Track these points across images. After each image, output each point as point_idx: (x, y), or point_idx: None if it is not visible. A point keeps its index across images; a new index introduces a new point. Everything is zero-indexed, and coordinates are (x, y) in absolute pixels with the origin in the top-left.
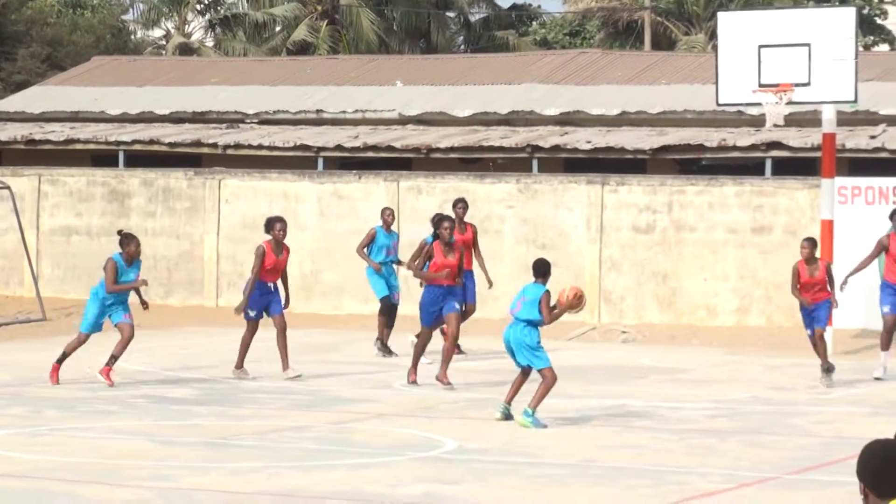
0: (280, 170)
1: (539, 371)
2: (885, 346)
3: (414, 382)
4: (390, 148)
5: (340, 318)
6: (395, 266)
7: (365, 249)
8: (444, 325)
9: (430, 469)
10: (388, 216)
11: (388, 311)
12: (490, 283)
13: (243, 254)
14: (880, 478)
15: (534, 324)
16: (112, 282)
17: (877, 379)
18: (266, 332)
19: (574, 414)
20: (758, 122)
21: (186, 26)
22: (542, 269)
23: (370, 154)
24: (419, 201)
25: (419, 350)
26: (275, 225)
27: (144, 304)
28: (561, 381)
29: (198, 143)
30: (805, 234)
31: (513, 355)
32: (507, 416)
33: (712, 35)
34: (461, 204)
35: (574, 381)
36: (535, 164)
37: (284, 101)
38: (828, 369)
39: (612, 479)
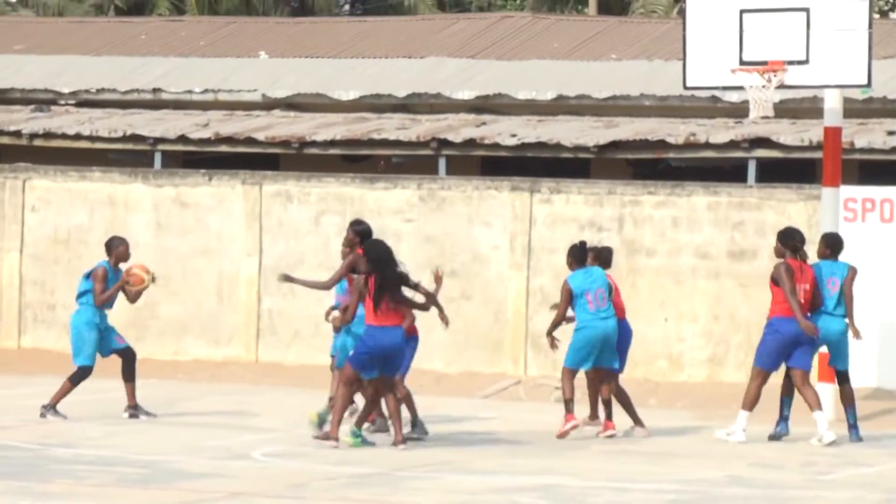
0: (104, 168)
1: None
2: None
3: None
4: (251, 140)
5: (182, 364)
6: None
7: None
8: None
9: None
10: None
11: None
12: None
13: (55, 279)
14: None
15: None
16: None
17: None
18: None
19: (491, 496)
20: (739, 111)
21: None
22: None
23: (224, 148)
24: (288, 211)
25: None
26: None
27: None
28: (475, 453)
29: None
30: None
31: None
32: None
33: None
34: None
35: (492, 452)
36: (442, 163)
37: (111, 77)
38: None
39: None
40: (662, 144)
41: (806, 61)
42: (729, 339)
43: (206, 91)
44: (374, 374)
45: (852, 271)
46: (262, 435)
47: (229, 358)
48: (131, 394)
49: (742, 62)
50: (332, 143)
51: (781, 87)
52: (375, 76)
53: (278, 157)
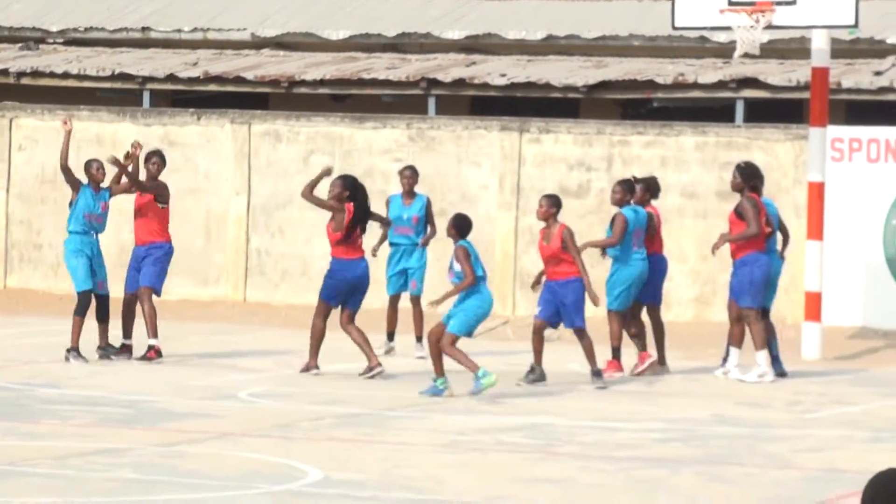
0: (93, 106)
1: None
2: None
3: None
4: (240, 80)
5: (169, 304)
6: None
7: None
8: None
9: None
10: (96, 170)
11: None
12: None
13: (41, 219)
14: None
15: None
16: None
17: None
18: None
19: (479, 436)
20: (726, 51)
21: None
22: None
23: (213, 87)
24: (277, 150)
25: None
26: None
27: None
28: (463, 392)
29: None
30: (787, 199)
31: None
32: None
33: None
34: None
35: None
36: (431, 103)
37: (99, 15)
38: (596, 373)
39: None
40: (651, 84)
41: (793, 2)
42: (716, 279)
43: (195, 30)
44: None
45: (775, 207)
46: (249, 375)
47: (217, 297)
48: (103, 334)
49: (730, 2)
50: (321, 83)
51: (769, 27)
52: (365, 15)
53: (267, 96)
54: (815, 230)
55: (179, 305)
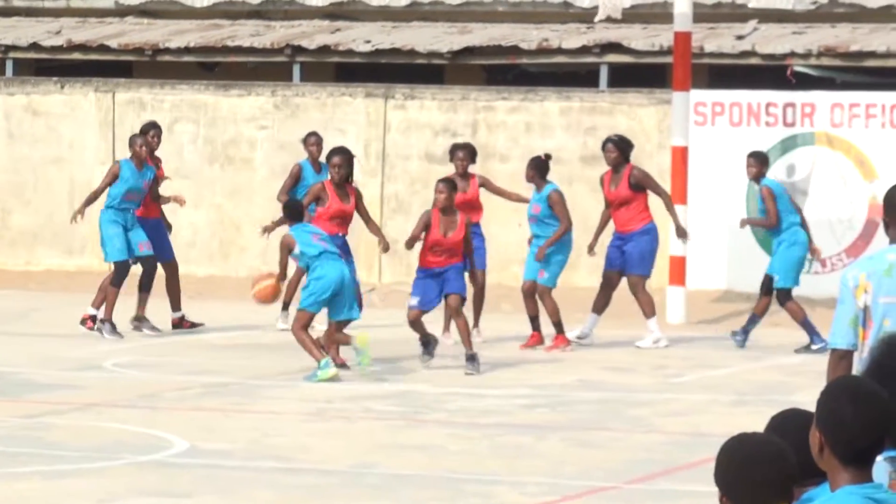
0: None
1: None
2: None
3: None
4: (103, 48)
5: (34, 274)
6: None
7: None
8: None
9: (153, 477)
10: (143, 145)
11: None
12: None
13: None
14: (740, 483)
15: None
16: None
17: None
18: None
19: (346, 404)
20: (590, 16)
21: None
22: None
23: (76, 56)
24: (142, 119)
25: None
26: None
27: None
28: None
29: None
30: (651, 164)
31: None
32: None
33: None
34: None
35: (347, 360)
36: (296, 70)
37: None
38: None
39: (394, 489)
40: (516, 50)
41: None
42: (581, 244)
43: None
44: None
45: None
46: (115, 345)
47: (82, 268)
48: (141, 304)
49: None
50: (186, 51)
51: None
52: None
53: (132, 64)
54: (679, 194)
55: (44, 275)
